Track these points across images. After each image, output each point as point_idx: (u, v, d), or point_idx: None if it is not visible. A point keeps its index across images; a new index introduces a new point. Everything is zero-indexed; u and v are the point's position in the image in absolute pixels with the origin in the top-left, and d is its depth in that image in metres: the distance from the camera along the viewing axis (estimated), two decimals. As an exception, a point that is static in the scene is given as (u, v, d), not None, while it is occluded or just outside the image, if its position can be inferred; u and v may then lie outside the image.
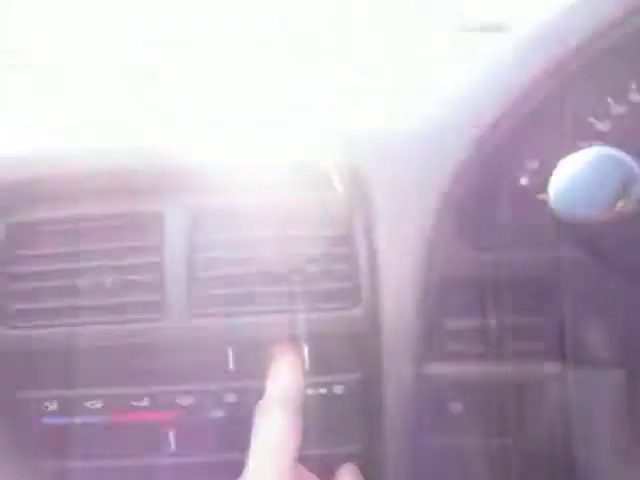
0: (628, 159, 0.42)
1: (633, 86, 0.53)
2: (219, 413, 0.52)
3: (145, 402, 0.52)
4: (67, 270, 0.52)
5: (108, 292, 0.52)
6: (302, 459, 0.44)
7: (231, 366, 0.52)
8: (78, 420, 0.54)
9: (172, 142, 0.54)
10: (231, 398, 0.52)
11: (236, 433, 0.48)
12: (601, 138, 0.54)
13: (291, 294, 0.51)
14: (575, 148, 0.52)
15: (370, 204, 0.50)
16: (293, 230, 0.51)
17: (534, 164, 0.55)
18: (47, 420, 0.55)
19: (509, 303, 0.49)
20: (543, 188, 0.55)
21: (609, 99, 0.53)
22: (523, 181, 0.55)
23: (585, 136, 0.54)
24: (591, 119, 0.54)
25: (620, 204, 0.40)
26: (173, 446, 0.53)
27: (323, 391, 0.52)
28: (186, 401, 0.52)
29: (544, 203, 0.54)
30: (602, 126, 0.54)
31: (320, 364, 0.52)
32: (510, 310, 0.49)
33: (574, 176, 0.42)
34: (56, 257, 0.52)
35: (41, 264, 0.52)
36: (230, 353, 0.52)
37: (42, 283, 0.52)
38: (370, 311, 0.50)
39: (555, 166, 0.55)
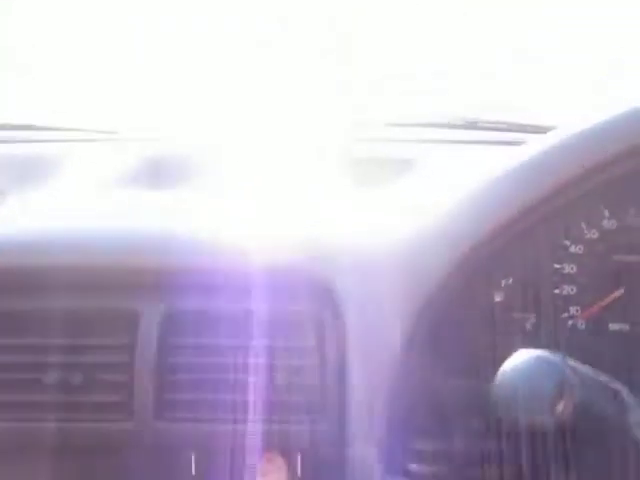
0: (561, 362, 0.43)
1: (606, 213, 0.55)
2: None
3: None
4: (33, 364, 0.52)
5: (75, 389, 0.51)
6: None
7: (194, 472, 0.52)
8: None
9: (152, 238, 0.55)
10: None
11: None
12: (574, 260, 0.55)
13: (258, 404, 0.51)
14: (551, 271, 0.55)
15: (342, 319, 0.50)
16: (264, 339, 0.51)
17: (509, 281, 0.56)
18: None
19: (476, 429, 0.49)
20: (517, 305, 0.57)
21: (583, 224, 0.55)
22: (497, 298, 0.56)
23: (559, 258, 0.55)
24: (566, 242, 0.55)
25: (559, 408, 0.40)
26: None
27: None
28: None
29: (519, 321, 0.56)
30: (575, 249, 0.55)
31: (288, 473, 0.51)
32: (476, 436, 0.49)
33: (512, 384, 0.42)
34: (23, 349, 0.52)
35: (6, 355, 0.52)
36: (193, 458, 0.52)
37: (6, 375, 0.52)
38: (336, 425, 0.50)
39: (529, 283, 0.57)
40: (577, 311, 0.55)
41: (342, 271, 0.51)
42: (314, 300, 0.52)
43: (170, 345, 0.52)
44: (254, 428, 0.50)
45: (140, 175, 0.78)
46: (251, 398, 0.50)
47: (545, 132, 0.58)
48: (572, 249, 0.55)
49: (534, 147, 0.54)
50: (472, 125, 0.93)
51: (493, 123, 0.93)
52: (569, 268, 0.55)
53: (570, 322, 0.55)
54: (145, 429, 0.50)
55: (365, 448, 0.49)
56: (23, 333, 0.53)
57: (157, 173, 0.79)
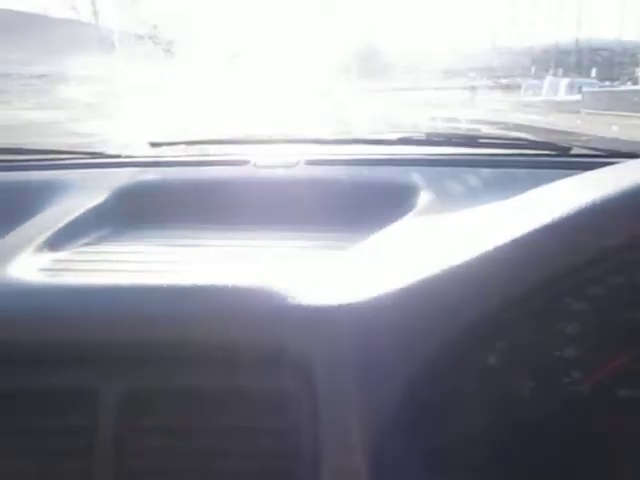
0: None
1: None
2: None
3: None
4: None
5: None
6: None
7: None
8: None
9: (112, 312, 0.51)
10: None
11: None
12: (575, 317, 0.50)
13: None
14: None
15: (315, 394, 0.46)
16: (232, 420, 0.47)
17: (504, 343, 0.50)
18: None
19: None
20: (513, 369, 0.52)
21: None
22: (491, 361, 0.50)
23: (561, 316, 0.50)
24: (568, 299, 0.50)
25: None
26: None
27: None
28: None
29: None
30: (578, 306, 0.50)
31: None
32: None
33: None
34: None
35: None
36: None
37: None
38: None
39: (527, 344, 0.51)
40: (581, 376, 0.50)
41: (317, 345, 0.46)
42: (286, 376, 0.47)
43: (130, 428, 0.48)
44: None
45: (116, 211, 0.75)
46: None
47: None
48: (575, 306, 0.50)
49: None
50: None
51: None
52: (571, 328, 0.50)
53: (573, 388, 0.50)
54: None
55: None
56: None
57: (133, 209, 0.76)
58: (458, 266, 0.47)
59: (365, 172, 0.79)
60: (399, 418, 0.45)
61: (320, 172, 0.80)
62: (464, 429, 0.47)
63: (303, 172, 0.80)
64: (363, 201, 0.71)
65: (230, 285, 0.50)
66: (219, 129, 1.10)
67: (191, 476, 0.47)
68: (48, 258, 0.60)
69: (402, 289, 0.47)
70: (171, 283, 0.52)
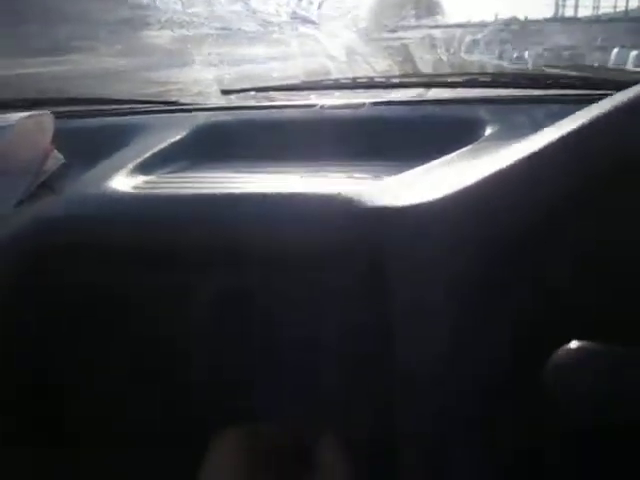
0: None
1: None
2: None
3: None
4: None
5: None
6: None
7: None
8: None
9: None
10: None
11: None
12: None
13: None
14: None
15: (386, 288, 0.49)
16: (316, 311, 0.51)
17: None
18: None
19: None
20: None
21: None
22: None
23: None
24: None
25: None
26: None
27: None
28: None
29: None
30: None
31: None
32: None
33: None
34: None
35: None
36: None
37: None
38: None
39: None
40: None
41: (391, 232, 0.49)
42: (362, 263, 0.50)
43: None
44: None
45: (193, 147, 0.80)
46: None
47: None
48: None
49: None
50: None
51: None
52: None
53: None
54: None
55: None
56: None
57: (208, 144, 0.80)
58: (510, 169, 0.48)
59: (431, 111, 0.81)
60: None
61: (386, 112, 0.82)
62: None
63: (369, 112, 0.82)
64: (428, 136, 0.73)
65: (311, 192, 0.54)
66: (289, 75, 1.13)
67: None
68: (139, 180, 0.65)
69: (461, 190, 0.50)
70: (257, 191, 0.56)
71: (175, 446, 0.54)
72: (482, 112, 0.75)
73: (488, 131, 0.70)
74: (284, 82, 1.03)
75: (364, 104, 0.85)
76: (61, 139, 0.74)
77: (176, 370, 0.55)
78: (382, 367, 0.48)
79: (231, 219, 0.54)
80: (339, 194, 0.53)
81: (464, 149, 0.65)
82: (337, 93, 0.98)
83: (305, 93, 1.00)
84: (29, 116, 0.72)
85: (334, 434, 0.48)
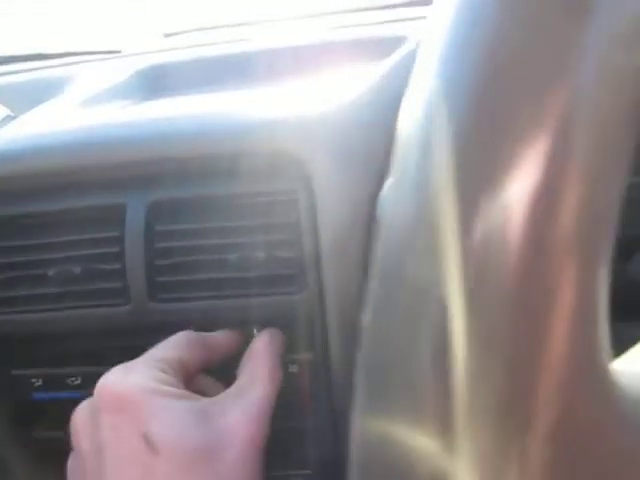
0: None
1: None
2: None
3: None
4: (38, 261, 0.56)
5: (77, 280, 0.56)
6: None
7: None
8: (61, 395, 0.60)
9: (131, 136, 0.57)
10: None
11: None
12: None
13: (242, 280, 0.53)
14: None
15: (313, 191, 0.52)
16: (241, 220, 0.54)
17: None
18: (35, 396, 0.60)
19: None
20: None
21: None
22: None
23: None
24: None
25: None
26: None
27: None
28: None
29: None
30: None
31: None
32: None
33: None
34: (27, 249, 0.57)
35: (14, 256, 0.57)
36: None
37: (16, 273, 0.56)
38: (315, 296, 0.52)
39: None
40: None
41: (315, 146, 0.52)
42: (289, 178, 0.53)
43: (156, 233, 0.55)
44: (240, 303, 0.54)
45: (137, 87, 0.81)
46: (234, 275, 0.53)
47: None
48: None
49: None
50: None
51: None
52: None
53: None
54: (141, 311, 0.54)
55: (343, 318, 0.51)
56: (27, 235, 0.57)
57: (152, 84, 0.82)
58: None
59: (363, 32, 0.83)
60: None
61: (321, 38, 0.84)
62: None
63: (304, 41, 0.84)
64: (359, 55, 0.75)
65: (235, 107, 0.56)
66: (230, 14, 1.14)
67: (210, 268, 0.54)
68: (74, 116, 0.67)
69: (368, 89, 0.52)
70: (185, 111, 0.58)
71: None
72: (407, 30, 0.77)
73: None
74: (224, 21, 1.04)
75: (299, 34, 0.87)
76: (3, 96, 0.75)
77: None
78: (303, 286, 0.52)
79: (162, 137, 0.56)
80: (261, 108, 0.56)
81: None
82: (277, 25, 0.99)
83: (245, 28, 1.01)
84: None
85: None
